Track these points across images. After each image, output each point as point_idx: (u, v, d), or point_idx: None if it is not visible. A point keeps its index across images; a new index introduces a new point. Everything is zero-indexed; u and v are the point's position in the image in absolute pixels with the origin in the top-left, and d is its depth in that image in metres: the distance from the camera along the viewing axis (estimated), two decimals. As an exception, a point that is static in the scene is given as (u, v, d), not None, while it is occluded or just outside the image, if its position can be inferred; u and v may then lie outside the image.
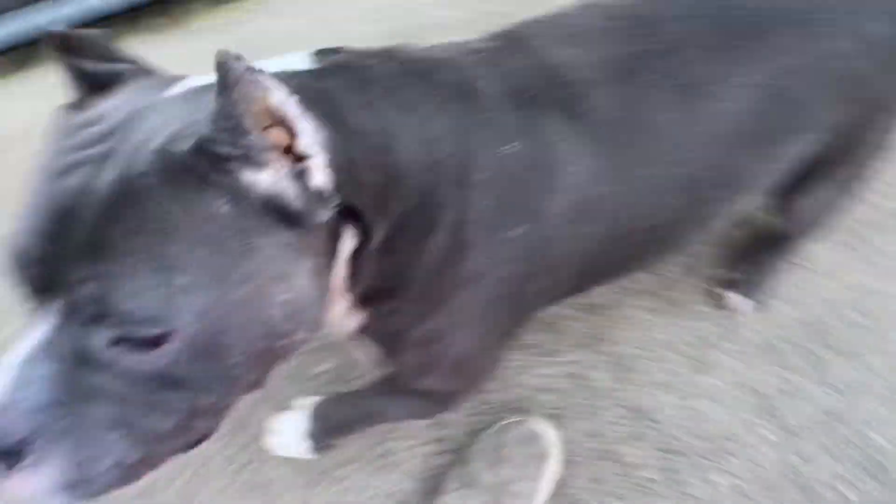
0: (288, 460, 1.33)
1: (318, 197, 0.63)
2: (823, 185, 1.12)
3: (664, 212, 0.93)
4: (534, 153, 0.81)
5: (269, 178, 0.60)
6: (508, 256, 0.84)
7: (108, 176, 0.57)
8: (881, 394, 1.36)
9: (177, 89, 0.65)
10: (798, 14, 0.91)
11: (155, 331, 0.57)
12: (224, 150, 0.57)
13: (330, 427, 1.28)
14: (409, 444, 1.35)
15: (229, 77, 0.53)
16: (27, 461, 0.57)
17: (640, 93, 0.86)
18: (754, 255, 1.45)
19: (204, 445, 0.68)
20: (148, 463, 0.63)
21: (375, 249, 0.74)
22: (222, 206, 0.58)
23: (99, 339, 0.58)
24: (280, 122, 0.59)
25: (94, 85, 0.68)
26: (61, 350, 0.58)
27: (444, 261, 0.80)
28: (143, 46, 1.79)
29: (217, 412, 0.67)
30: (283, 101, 0.57)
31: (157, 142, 0.58)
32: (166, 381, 0.60)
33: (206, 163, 0.57)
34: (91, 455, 0.59)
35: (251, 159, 0.58)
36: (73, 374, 0.58)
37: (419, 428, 1.36)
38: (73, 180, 0.58)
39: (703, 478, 1.31)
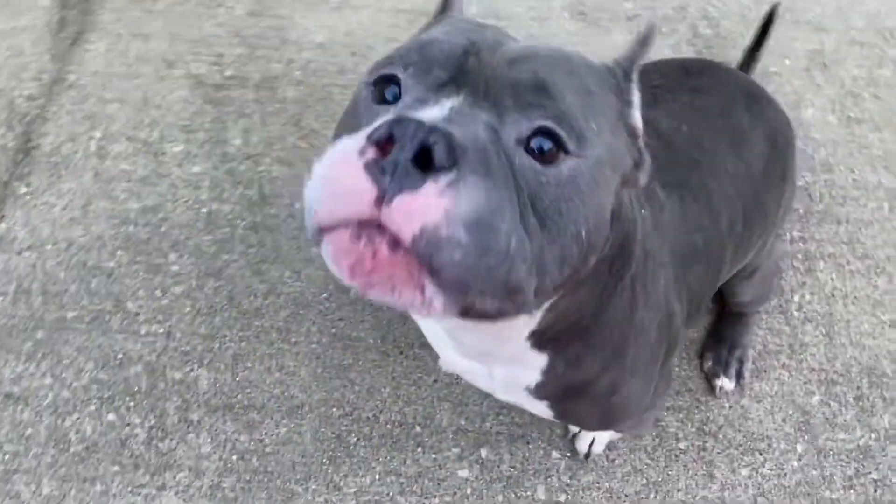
0: (375, 326, 1.56)
1: (644, 160, 0.72)
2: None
3: (734, 240, 1.14)
4: (654, 216, 0.96)
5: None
6: (659, 304, 0.96)
7: (535, 44, 0.66)
8: (914, 447, 1.48)
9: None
10: (760, 93, 1.29)
11: (571, 143, 0.59)
12: (623, 79, 0.70)
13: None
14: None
15: (648, 40, 0.69)
16: (448, 175, 0.50)
17: (703, 153, 1.11)
18: (719, 340, 1.57)
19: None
20: (512, 274, 0.55)
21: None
22: (617, 105, 0.68)
23: (511, 129, 0.58)
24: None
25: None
26: (466, 126, 0.55)
27: (624, 309, 0.88)
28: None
29: (539, 267, 0.59)
30: (635, 83, 0.72)
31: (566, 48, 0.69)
32: (537, 205, 0.57)
33: (612, 77, 0.69)
34: (495, 214, 0.53)
35: (627, 96, 0.71)
36: (478, 142, 0.55)
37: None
38: (495, 32, 0.66)
39: (728, 465, 1.47)
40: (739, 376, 1.53)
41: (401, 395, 1.53)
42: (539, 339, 0.82)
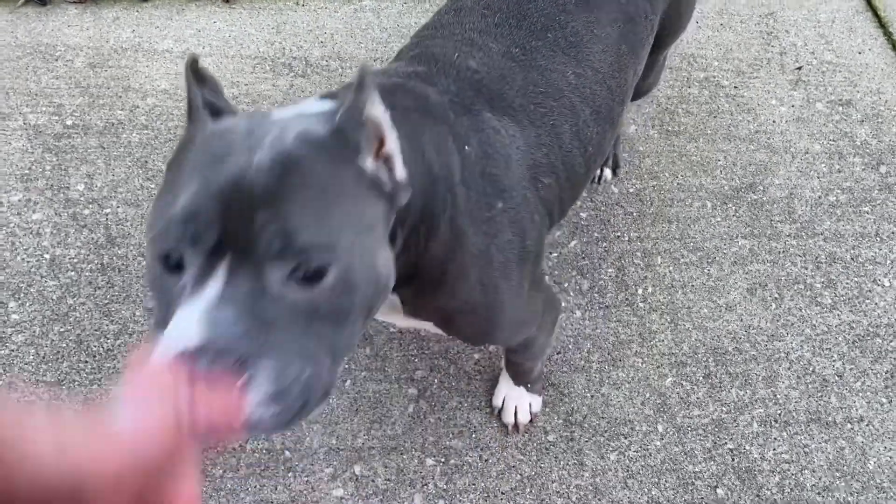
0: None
1: (401, 186, 0.80)
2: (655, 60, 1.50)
3: (588, 143, 1.19)
4: (487, 145, 1.03)
5: (372, 164, 0.77)
6: (497, 229, 1.02)
7: (264, 156, 0.70)
8: (760, 416, 1.58)
9: (282, 114, 0.80)
10: None
11: (326, 258, 0.68)
12: (352, 135, 0.75)
13: (525, 380, 1.49)
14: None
15: (364, 84, 0.74)
16: (242, 379, 0.60)
17: (539, 71, 1.13)
18: None
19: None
20: (318, 387, 0.68)
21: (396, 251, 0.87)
22: (351, 174, 0.75)
23: (275, 276, 0.67)
24: (376, 128, 0.77)
25: (210, 110, 0.81)
26: (240, 293, 0.65)
27: (450, 250, 0.95)
28: (185, 15, 2.04)
29: (339, 353, 0.73)
30: (382, 113, 0.77)
31: (293, 133, 0.73)
32: (320, 315, 0.69)
33: (340, 142, 0.75)
34: (287, 372, 0.64)
35: (363, 147, 0.76)
36: (254, 311, 0.65)
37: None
38: (232, 162, 0.70)
39: (596, 451, 1.51)
40: (616, 166, 1.77)
41: (267, 421, 1.48)
42: None
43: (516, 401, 1.52)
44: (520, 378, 1.48)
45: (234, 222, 0.67)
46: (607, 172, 1.83)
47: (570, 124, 1.15)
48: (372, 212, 0.76)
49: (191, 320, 0.63)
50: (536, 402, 1.54)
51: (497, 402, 1.54)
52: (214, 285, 0.65)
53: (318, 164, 0.73)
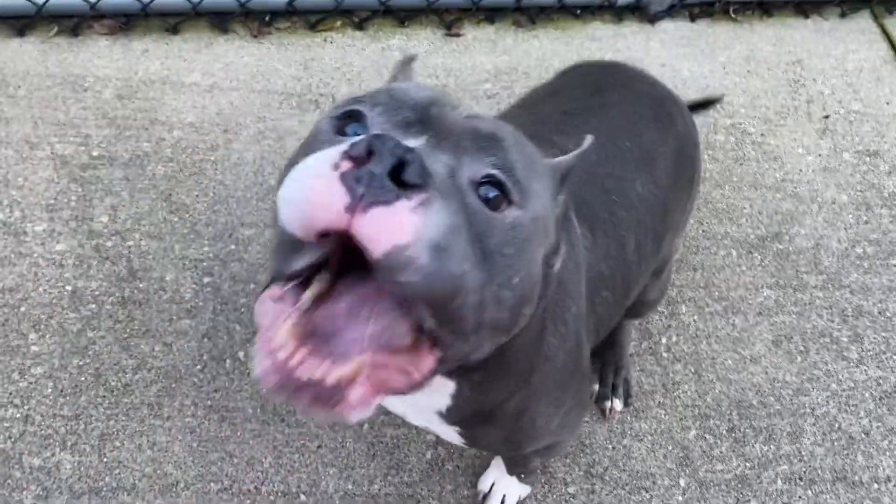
0: (253, 395, 1.51)
1: (558, 248, 0.77)
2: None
3: (643, 260, 1.17)
4: (570, 246, 0.97)
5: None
6: (568, 333, 0.97)
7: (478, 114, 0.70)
8: (785, 472, 1.55)
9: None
10: (670, 100, 1.32)
11: (517, 191, 0.63)
12: (558, 177, 0.77)
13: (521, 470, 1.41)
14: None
15: (587, 152, 0.79)
16: (420, 196, 0.53)
17: (614, 180, 1.13)
18: (602, 364, 1.61)
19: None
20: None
21: None
22: (552, 189, 0.73)
23: (467, 171, 0.61)
24: None
25: None
26: (430, 159, 0.57)
27: (530, 343, 0.87)
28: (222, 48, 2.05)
29: (491, 318, 0.63)
30: None
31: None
32: (482, 242, 0.60)
33: (554, 172, 0.75)
34: (456, 239, 0.55)
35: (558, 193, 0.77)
36: (440, 180, 0.57)
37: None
38: (450, 97, 0.70)
39: (616, 505, 1.48)
40: (627, 396, 1.59)
41: (283, 463, 1.46)
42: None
43: (505, 489, 1.43)
44: (516, 467, 1.38)
45: (445, 114, 0.64)
46: (617, 403, 1.58)
47: (634, 238, 1.14)
48: (551, 227, 0.72)
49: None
50: (525, 492, 1.46)
51: (484, 486, 1.45)
52: (410, 143, 0.58)
53: (537, 154, 0.71)
